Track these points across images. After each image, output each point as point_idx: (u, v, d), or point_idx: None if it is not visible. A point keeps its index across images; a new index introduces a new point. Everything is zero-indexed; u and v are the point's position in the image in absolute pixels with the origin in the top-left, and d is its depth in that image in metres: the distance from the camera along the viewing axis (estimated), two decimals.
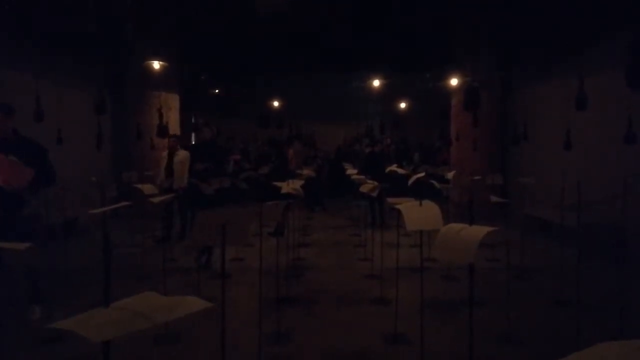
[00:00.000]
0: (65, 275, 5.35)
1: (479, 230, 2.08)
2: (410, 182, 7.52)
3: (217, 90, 12.28)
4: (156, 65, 8.86)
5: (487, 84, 9.15)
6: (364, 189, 6.14)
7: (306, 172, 9.05)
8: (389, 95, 12.77)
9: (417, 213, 3.26)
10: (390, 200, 4.41)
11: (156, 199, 4.75)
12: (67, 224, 7.82)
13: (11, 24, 6.56)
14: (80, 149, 7.93)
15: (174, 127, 10.47)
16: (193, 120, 11.44)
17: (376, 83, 11.28)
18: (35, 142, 4.16)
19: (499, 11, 9.17)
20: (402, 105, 13.32)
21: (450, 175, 8.49)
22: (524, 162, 9.20)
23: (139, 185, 6.34)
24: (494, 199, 4.79)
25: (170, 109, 10.47)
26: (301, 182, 6.28)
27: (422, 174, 7.47)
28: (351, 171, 9.63)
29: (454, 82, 9.44)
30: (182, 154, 7.51)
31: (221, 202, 6.67)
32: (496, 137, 9.78)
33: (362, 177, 8.96)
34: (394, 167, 9.42)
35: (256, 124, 11.40)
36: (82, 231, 7.89)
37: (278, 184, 5.92)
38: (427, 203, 3.28)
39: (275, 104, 13.21)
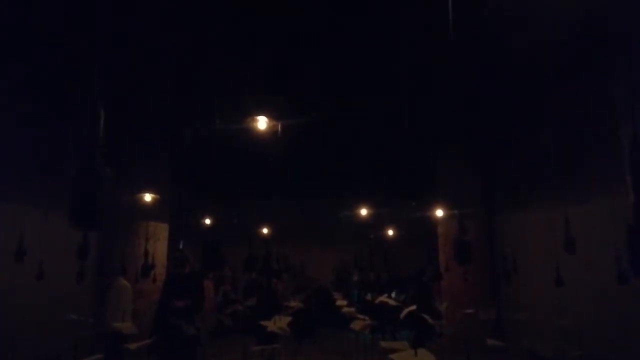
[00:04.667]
0: None
1: None
2: (402, 315, 7.28)
3: (207, 221, 12.34)
4: (147, 197, 9.00)
5: (472, 214, 9.33)
6: (355, 325, 5.91)
7: (294, 304, 8.76)
8: (377, 222, 12.92)
9: None
10: (383, 344, 4.19)
11: (133, 345, 4.45)
12: None
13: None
14: (60, 283, 7.62)
15: (161, 258, 10.30)
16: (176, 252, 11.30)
17: (364, 212, 11.48)
18: None
19: (480, 139, 9.65)
20: (390, 232, 13.42)
21: (442, 307, 8.25)
22: (517, 294, 9.01)
23: (117, 324, 6.03)
24: (490, 342, 4.58)
25: (159, 239, 10.40)
26: (288, 319, 6.04)
27: (414, 307, 7.26)
28: (341, 302, 9.35)
29: (439, 212, 9.63)
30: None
31: (200, 342, 6.26)
32: (486, 268, 9.70)
33: (352, 309, 8.69)
34: (384, 298, 9.18)
35: (242, 269, 11.25)
36: None
37: (264, 322, 5.68)
38: (423, 353, 3.11)
39: (265, 230, 13.24)
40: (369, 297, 12.65)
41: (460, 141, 9.80)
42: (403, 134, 10.41)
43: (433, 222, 10.92)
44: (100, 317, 6.80)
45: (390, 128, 9.78)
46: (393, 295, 11.20)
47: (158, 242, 10.32)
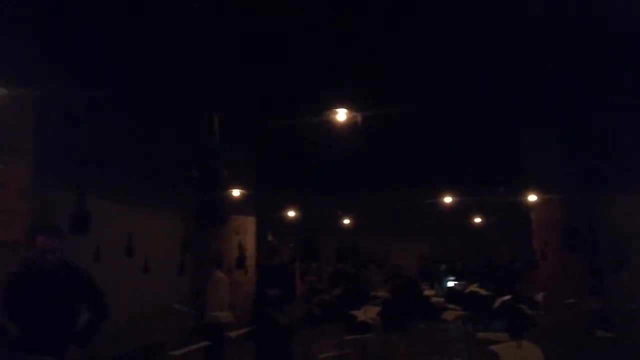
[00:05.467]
0: None
1: None
2: (495, 305, 7.01)
3: (291, 213, 12.64)
4: (236, 192, 9.41)
5: (568, 199, 8.72)
6: (447, 316, 5.78)
7: (381, 294, 8.75)
8: (461, 210, 12.53)
9: (516, 357, 2.96)
10: (481, 335, 4.06)
11: (233, 333, 4.67)
12: (147, 350, 7.89)
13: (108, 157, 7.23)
14: (164, 275, 8.20)
15: (250, 251, 10.74)
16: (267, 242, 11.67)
17: (448, 200, 11.17)
18: (83, 271, 3.55)
19: (575, 118, 8.95)
20: (477, 220, 12.96)
21: (539, 297, 7.83)
22: (625, 284, 8.28)
23: (217, 313, 6.36)
24: (600, 333, 4.28)
25: (247, 232, 10.85)
26: (377, 309, 6.02)
27: (509, 297, 6.96)
28: (429, 292, 9.21)
29: (531, 198, 9.12)
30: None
31: (294, 331, 6.47)
32: (585, 255, 9.02)
33: (442, 299, 8.51)
34: (474, 288, 8.90)
35: (334, 259, 11.39)
36: None
37: (355, 312, 5.72)
38: (527, 345, 2.97)
39: (349, 221, 13.34)
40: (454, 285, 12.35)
41: (553, 121, 9.17)
42: (486, 117, 9.99)
43: (524, 208, 10.37)
44: (200, 308, 7.22)
45: (473, 112, 9.42)
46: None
47: (246, 235, 10.77)
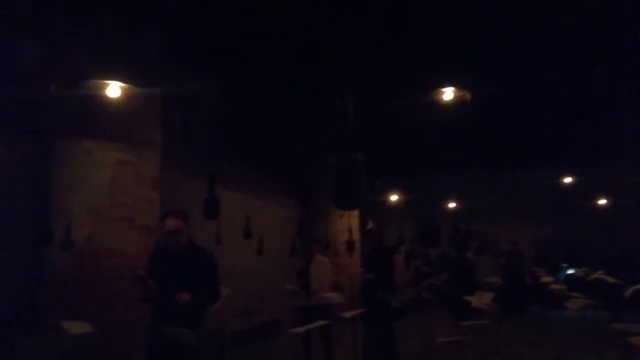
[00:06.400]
0: None
1: None
2: (627, 293, 6.47)
3: (394, 197, 12.53)
4: None
5: None
6: (572, 305, 5.39)
7: (493, 280, 8.44)
8: (583, 191, 11.49)
9: None
10: (616, 326, 3.72)
11: (347, 314, 4.73)
12: (265, 327, 8.35)
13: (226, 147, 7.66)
14: (278, 256, 8.58)
15: (355, 232, 10.82)
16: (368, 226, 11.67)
17: (568, 180, 10.32)
18: (208, 253, 3.85)
19: None
20: (601, 202, 11.80)
21: None
22: None
23: (328, 295, 6.52)
24: None
25: (351, 215, 10.95)
26: (492, 295, 5.79)
27: None
28: (547, 279, 8.71)
29: None
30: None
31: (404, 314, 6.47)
32: None
33: (562, 287, 7.96)
34: (600, 275, 8.23)
35: (446, 243, 11.07)
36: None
37: (468, 298, 5.55)
38: None
39: (456, 205, 12.90)
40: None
41: None
42: (608, 89, 9.00)
43: None
44: (303, 288, 7.33)
45: (595, 86, 8.58)
46: None
47: (351, 218, 10.87)
